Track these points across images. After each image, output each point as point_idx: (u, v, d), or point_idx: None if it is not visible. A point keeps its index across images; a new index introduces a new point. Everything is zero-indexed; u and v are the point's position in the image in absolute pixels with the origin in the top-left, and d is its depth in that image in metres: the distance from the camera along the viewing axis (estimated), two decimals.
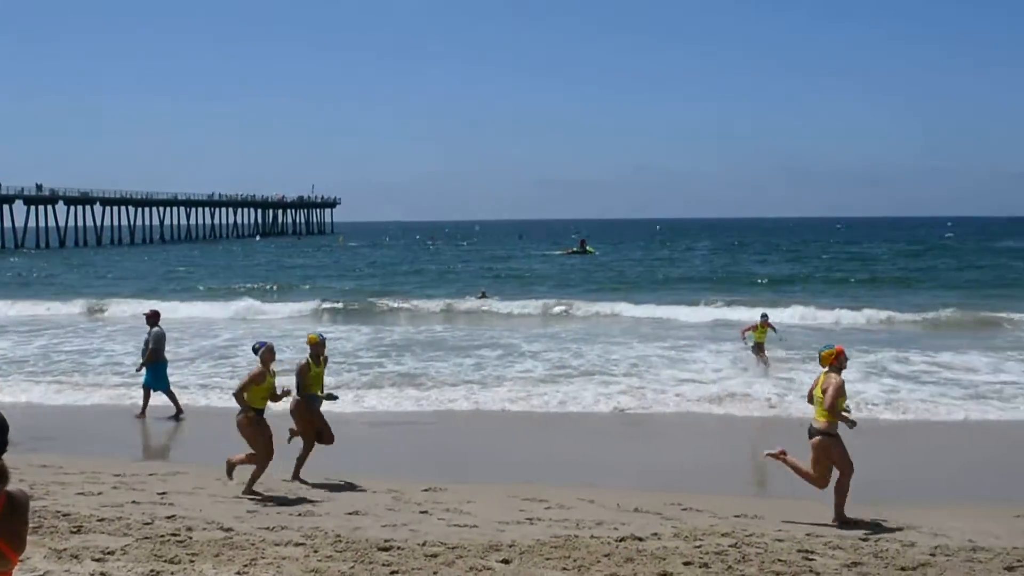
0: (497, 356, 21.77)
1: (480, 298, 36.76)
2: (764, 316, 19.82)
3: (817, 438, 9.55)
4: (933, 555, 8.47)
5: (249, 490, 10.69)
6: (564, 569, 7.92)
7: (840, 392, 9.46)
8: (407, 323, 31.57)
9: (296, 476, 11.36)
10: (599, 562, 8.10)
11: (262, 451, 10.73)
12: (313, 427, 11.52)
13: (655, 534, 9.03)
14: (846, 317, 30.07)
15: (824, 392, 9.49)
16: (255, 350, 11.06)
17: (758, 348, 19.20)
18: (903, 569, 8.02)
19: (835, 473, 9.65)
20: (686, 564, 8.03)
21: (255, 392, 10.75)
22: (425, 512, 9.95)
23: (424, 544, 8.59)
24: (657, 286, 45.17)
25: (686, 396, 16.87)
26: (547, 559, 8.17)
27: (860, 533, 9.21)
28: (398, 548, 8.45)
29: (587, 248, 75.87)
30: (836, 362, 9.65)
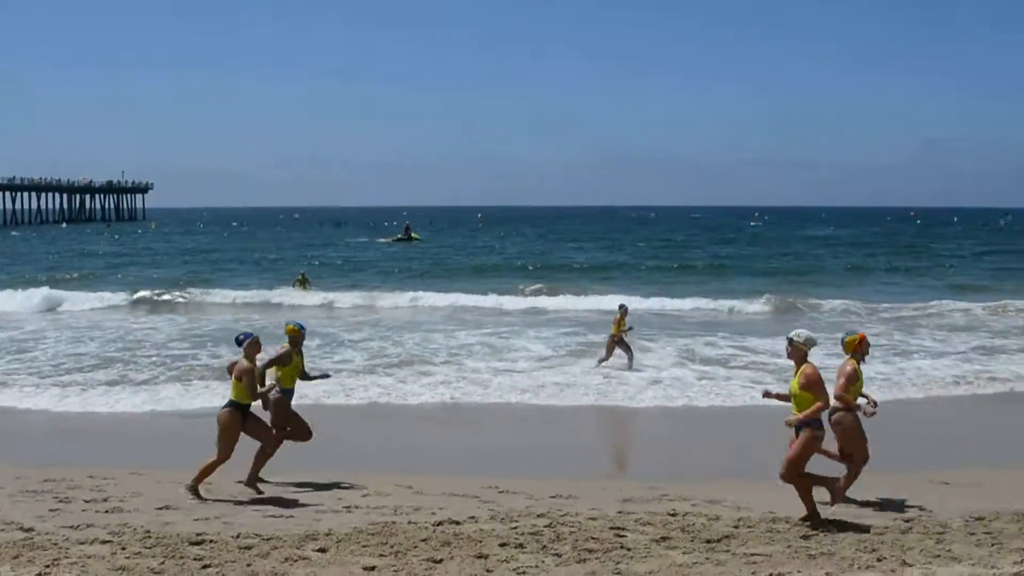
0: (316, 346, 21.48)
1: (299, 283, 35.90)
2: (623, 307, 19.30)
3: (836, 415, 9.78)
4: (736, 527, 8.90)
5: (195, 485, 10.05)
6: (381, 555, 7.91)
7: (850, 379, 9.79)
8: (222, 313, 30.73)
9: (254, 481, 10.45)
10: (416, 547, 8.13)
11: (227, 451, 10.08)
12: (287, 425, 10.91)
13: (472, 517, 9.14)
14: (668, 304, 30.87)
15: (837, 375, 9.88)
16: (239, 342, 10.39)
17: (619, 339, 18.57)
18: (708, 541, 8.38)
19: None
20: (502, 545, 8.16)
21: (240, 386, 10.13)
22: (239, 504, 9.75)
23: (238, 536, 8.42)
24: (478, 273, 45.43)
25: (504, 384, 17.07)
26: (364, 546, 8.14)
27: (670, 508, 9.58)
28: (211, 541, 8.24)
29: (412, 235, 75.50)
30: (859, 348, 9.98)
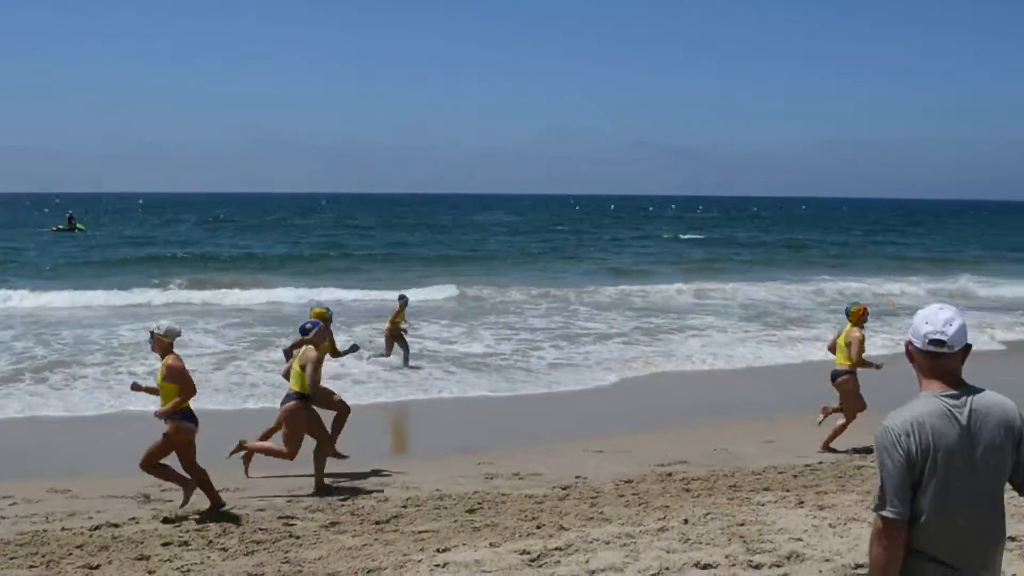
0: None
1: None
2: (403, 298, 18.38)
3: (842, 378, 11.39)
4: (405, 507, 9.10)
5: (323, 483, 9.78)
6: (32, 567, 7.39)
7: (862, 345, 11.29)
8: None
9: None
10: (71, 554, 7.67)
11: (295, 447, 9.73)
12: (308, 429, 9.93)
13: (133, 519, 8.73)
14: (340, 295, 29.99)
15: (848, 345, 11.32)
16: (305, 330, 9.92)
17: (396, 333, 17.55)
18: (377, 523, 8.52)
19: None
20: (165, 545, 7.87)
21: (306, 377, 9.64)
22: None
23: None
24: (147, 264, 42.62)
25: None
26: (11, 558, 7.57)
27: (341, 495, 9.63)
28: None
29: (76, 225, 70.10)
30: (863, 317, 11.45)
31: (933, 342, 3.51)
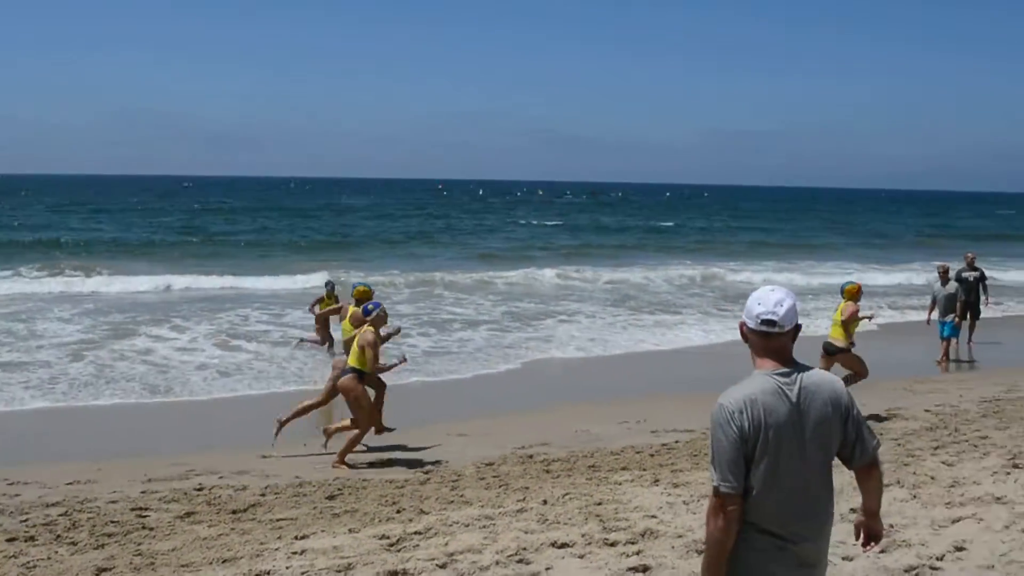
0: None
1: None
2: (330, 284, 17.88)
3: (840, 353, 12.46)
4: (263, 495, 8.98)
5: (342, 460, 10.26)
6: None
7: (854, 316, 12.47)
8: None
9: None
10: None
11: (367, 417, 10.36)
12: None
13: None
14: (202, 282, 29.20)
15: (842, 317, 12.44)
16: (367, 311, 10.41)
17: (326, 320, 16.98)
18: (234, 512, 8.38)
19: None
20: (10, 540, 7.58)
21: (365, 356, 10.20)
22: None
23: None
24: None
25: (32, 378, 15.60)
26: None
27: (196, 483, 9.43)
28: None
29: None
30: (858, 294, 12.68)
31: (765, 322, 3.65)
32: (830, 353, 12.60)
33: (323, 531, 7.68)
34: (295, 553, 7.06)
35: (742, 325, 3.75)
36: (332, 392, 11.16)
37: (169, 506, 8.60)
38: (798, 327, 3.72)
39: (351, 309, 11.85)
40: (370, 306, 10.50)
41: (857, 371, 12.53)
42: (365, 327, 10.35)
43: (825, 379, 3.71)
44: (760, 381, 3.63)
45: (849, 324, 12.54)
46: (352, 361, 10.27)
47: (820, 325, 17.03)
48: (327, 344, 17.07)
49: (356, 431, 10.36)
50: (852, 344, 12.63)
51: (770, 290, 3.73)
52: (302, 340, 17.50)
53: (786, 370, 3.65)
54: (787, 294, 3.71)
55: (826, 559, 3.79)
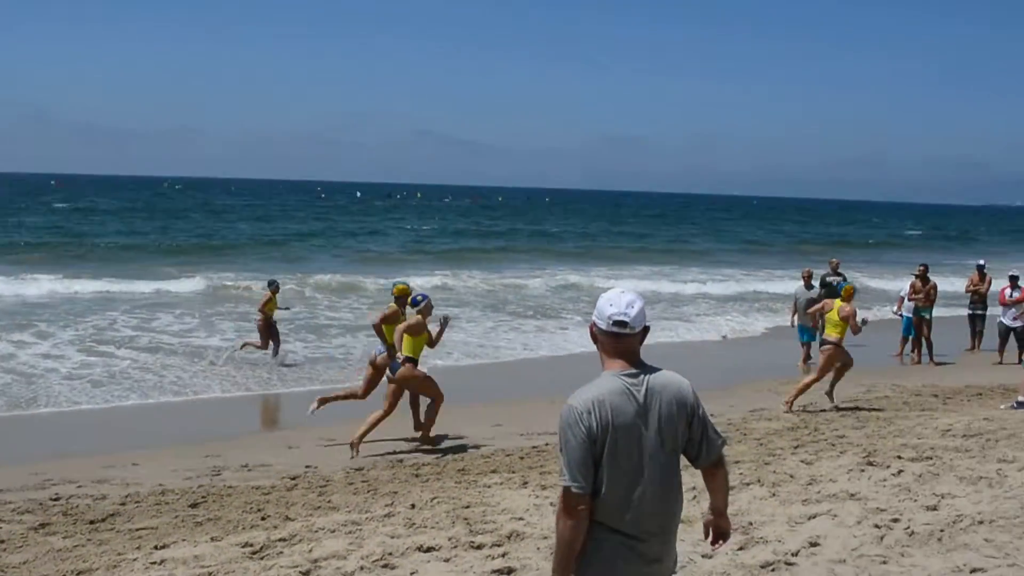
0: None
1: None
2: (273, 284, 17.43)
3: (828, 347, 13.46)
4: (123, 504, 8.72)
5: (427, 438, 11.36)
6: None
7: (851, 316, 13.29)
8: None
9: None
10: None
11: (438, 390, 11.18)
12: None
13: None
14: (73, 287, 27.78)
15: (840, 315, 13.33)
16: (416, 302, 11.19)
17: (270, 322, 16.73)
18: (92, 522, 8.12)
19: None
20: None
21: (418, 342, 11.02)
22: None
23: None
24: None
25: None
26: None
27: (52, 493, 9.10)
28: None
29: None
30: (853, 295, 13.80)
31: (616, 323, 3.71)
32: (822, 346, 13.82)
33: (184, 540, 7.49)
34: (154, 563, 6.88)
35: (592, 326, 3.81)
36: (372, 386, 11.89)
37: (22, 517, 8.27)
38: (646, 329, 3.79)
39: (392, 307, 11.74)
40: (419, 297, 11.37)
41: (845, 363, 13.70)
42: (412, 317, 11.16)
43: (672, 379, 3.79)
44: (608, 382, 3.69)
45: (848, 321, 13.40)
46: (405, 350, 10.95)
47: (692, 327, 17.36)
48: (270, 348, 16.74)
49: (434, 404, 11.28)
50: (842, 339, 13.61)
51: (621, 292, 3.80)
52: (245, 344, 17.06)
53: (634, 371, 3.72)
54: (637, 296, 3.78)
55: (674, 553, 3.87)
